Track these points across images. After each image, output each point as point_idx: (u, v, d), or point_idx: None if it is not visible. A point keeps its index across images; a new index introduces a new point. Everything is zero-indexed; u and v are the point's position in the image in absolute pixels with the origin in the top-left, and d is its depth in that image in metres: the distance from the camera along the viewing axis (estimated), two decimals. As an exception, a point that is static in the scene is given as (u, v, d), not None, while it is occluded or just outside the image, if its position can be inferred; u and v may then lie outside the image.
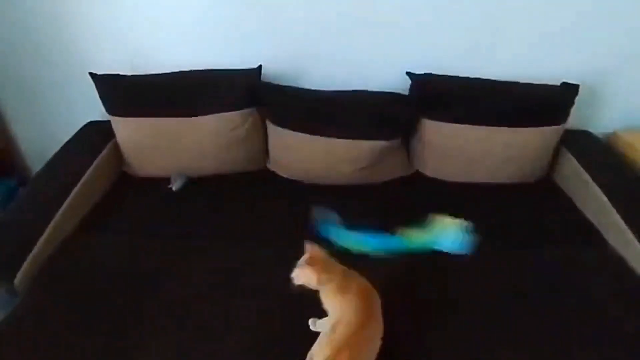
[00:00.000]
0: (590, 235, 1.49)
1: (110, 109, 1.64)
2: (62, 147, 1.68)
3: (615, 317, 1.20)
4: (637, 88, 1.78)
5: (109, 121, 1.67)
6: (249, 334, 1.14)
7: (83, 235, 1.45)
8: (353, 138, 1.60)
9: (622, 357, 1.12)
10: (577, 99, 1.64)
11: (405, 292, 1.25)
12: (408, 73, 1.68)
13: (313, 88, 1.69)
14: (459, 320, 1.20)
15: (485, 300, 1.25)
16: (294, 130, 1.62)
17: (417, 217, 1.51)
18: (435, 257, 1.37)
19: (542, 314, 1.21)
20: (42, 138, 1.94)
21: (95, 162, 1.61)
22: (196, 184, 1.66)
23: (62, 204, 1.44)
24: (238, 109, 1.62)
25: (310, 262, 1.05)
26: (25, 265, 1.26)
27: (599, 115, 1.86)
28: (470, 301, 1.25)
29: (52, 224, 1.38)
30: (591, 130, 1.84)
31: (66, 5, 1.66)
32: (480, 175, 1.71)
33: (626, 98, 1.82)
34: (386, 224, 1.48)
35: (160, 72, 1.66)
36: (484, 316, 1.21)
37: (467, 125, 1.63)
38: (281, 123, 1.64)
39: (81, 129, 1.77)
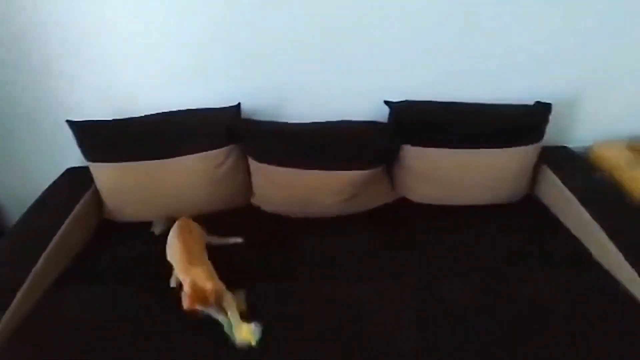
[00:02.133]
0: (575, 251, 1.49)
1: (88, 155, 1.62)
2: (40, 196, 1.65)
3: (601, 334, 1.19)
4: (609, 101, 1.83)
5: (88, 167, 1.65)
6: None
7: (64, 287, 1.39)
8: (335, 169, 1.60)
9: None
10: (551, 115, 1.68)
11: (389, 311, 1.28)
12: (386, 101, 1.71)
13: (293, 121, 1.70)
14: (446, 338, 1.20)
15: (473, 319, 1.25)
16: (276, 165, 1.62)
17: (404, 243, 1.53)
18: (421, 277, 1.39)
19: (532, 332, 1.21)
20: (19, 187, 1.90)
21: (74, 210, 1.58)
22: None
23: (40, 255, 1.39)
24: (219, 147, 1.62)
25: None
26: (2, 323, 1.21)
27: (575, 130, 1.91)
28: (459, 320, 1.25)
29: (30, 277, 1.33)
30: (569, 145, 1.89)
31: (41, 51, 1.66)
32: (464, 197, 1.72)
33: (600, 111, 1.86)
34: (375, 253, 1.50)
35: (138, 115, 1.66)
36: (471, 335, 1.20)
37: (446, 150, 1.65)
38: (263, 159, 1.64)
39: (60, 176, 1.75)
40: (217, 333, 1.20)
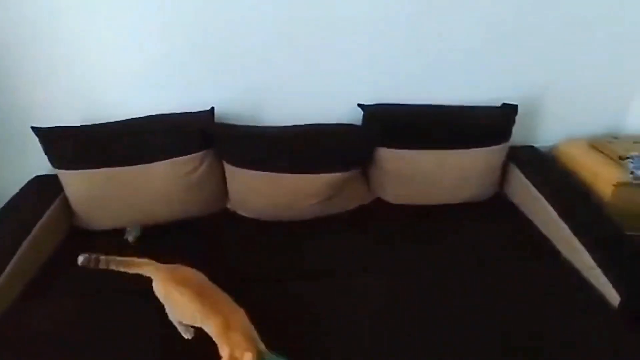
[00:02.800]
0: (543, 247, 1.55)
1: (56, 163, 1.57)
2: (5, 205, 1.58)
3: (568, 325, 1.24)
4: (572, 102, 1.92)
5: (56, 175, 1.60)
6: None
7: (32, 298, 1.34)
8: (311, 172, 1.62)
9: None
10: (518, 116, 1.74)
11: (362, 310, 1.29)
12: (359, 105, 1.73)
13: (267, 125, 1.70)
14: (418, 333, 1.22)
15: (444, 315, 1.28)
16: (252, 168, 1.61)
17: (381, 242, 1.56)
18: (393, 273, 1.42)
19: (500, 326, 1.24)
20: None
21: (42, 219, 1.52)
22: (153, 233, 1.60)
23: (6, 265, 1.33)
24: (193, 152, 1.60)
25: None
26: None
27: (540, 130, 1.98)
28: (431, 316, 1.28)
29: None
30: (535, 144, 1.96)
31: (8, 52, 1.60)
32: (437, 197, 1.76)
33: (564, 112, 1.95)
34: (352, 254, 1.52)
35: (109, 120, 1.62)
36: (442, 330, 1.23)
37: (419, 151, 1.70)
38: (238, 163, 1.63)
39: (26, 184, 1.68)
40: (191, 348, 1.18)
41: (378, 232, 1.64)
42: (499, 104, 1.77)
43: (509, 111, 1.74)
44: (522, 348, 1.19)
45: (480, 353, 1.18)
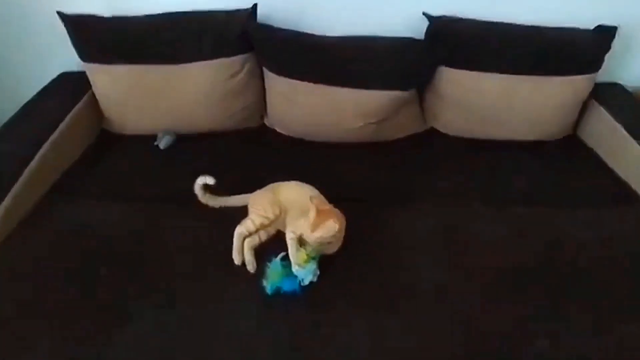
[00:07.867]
0: (621, 192, 1.37)
1: (84, 56, 1.45)
2: (30, 101, 1.48)
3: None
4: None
5: (84, 72, 1.49)
6: (239, 303, 1.03)
7: (56, 199, 1.27)
8: (362, 87, 1.44)
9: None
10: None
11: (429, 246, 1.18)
12: (425, 14, 1.51)
13: (316, 33, 1.51)
14: (482, 276, 1.11)
15: (510, 260, 1.14)
16: (296, 78, 1.45)
17: (430, 180, 1.40)
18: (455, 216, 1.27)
19: (573, 274, 1.12)
20: (5, 93, 1.71)
21: (69, 117, 1.42)
22: (186, 142, 1.49)
23: (29, 162, 1.24)
24: (231, 55, 1.45)
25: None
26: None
27: (631, 66, 1.71)
28: (495, 260, 1.14)
29: (17, 186, 1.18)
30: (622, 82, 1.69)
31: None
32: (500, 131, 1.58)
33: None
34: (396, 185, 1.38)
35: (142, 13, 1.47)
36: (510, 274, 1.11)
37: (488, 74, 1.49)
38: (280, 71, 1.47)
39: (52, 81, 1.58)
40: (217, 252, 1.13)
41: (429, 165, 1.48)
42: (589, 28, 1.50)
43: (603, 35, 1.48)
44: (586, 300, 1.06)
45: (541, 299, 1.06)
